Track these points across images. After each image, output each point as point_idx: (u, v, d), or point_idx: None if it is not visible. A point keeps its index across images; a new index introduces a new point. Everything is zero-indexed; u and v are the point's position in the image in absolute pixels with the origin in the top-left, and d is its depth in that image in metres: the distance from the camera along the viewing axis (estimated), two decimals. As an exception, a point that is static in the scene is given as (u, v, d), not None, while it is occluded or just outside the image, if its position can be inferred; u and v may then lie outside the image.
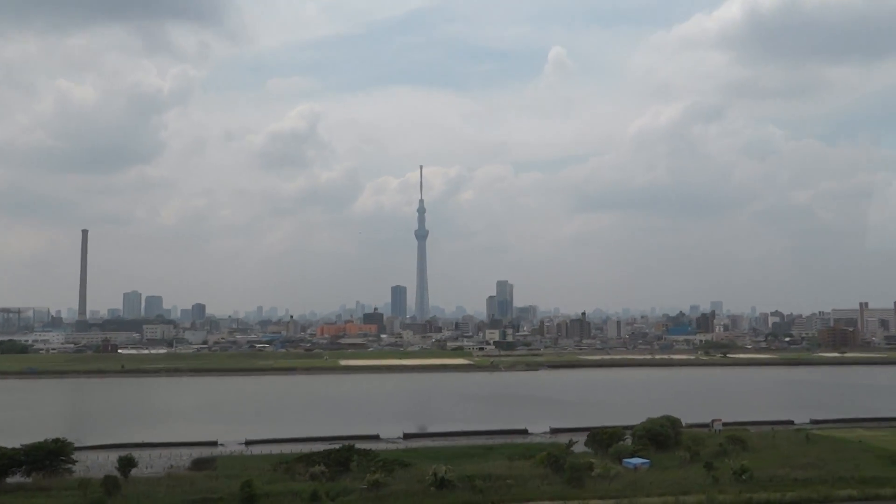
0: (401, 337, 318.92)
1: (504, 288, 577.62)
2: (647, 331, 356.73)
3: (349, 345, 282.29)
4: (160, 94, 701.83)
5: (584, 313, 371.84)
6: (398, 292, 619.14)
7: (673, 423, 73.31)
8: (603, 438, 67.63)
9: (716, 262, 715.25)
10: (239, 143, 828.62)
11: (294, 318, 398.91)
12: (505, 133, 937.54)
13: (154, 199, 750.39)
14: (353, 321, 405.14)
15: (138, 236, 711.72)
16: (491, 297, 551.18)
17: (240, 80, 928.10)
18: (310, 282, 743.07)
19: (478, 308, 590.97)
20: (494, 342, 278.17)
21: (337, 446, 62.74)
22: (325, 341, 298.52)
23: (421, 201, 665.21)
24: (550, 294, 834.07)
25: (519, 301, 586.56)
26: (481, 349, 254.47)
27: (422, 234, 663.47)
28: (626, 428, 74.16)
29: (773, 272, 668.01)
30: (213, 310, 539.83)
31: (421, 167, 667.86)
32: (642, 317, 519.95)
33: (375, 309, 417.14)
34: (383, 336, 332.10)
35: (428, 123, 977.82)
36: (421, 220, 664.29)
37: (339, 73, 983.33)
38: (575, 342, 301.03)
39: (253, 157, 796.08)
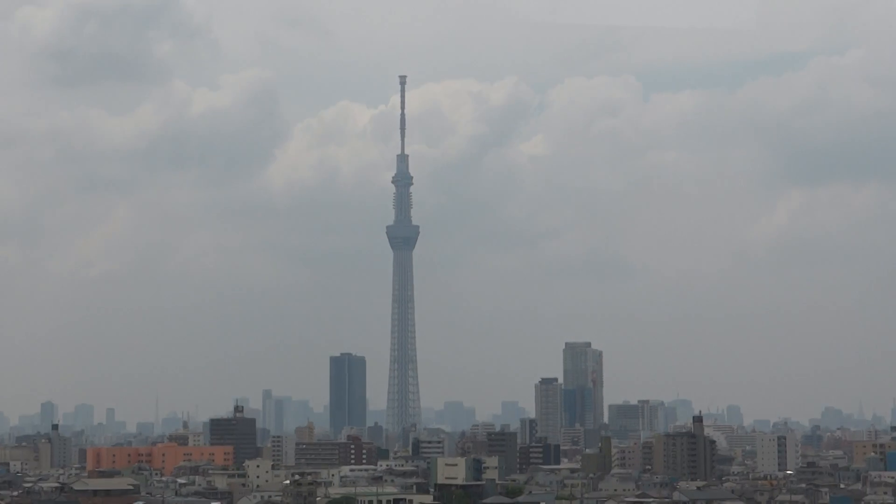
0: (243, 476, 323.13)
1: (579, 359, 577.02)
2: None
3: (101, 492, 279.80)
4: None
5: (697, 418, 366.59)
6: (344, 369, 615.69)
7: None
8: None
9: None
10: (2, 26, 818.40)
11: (133, 427, 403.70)
12: (616, 3, 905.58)
13: None
14: (182, 433, 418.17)
15: None
16: (546, 383, 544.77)
17: None
18: (173, 345, 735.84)
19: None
20: (440, 485, 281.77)
21: None
22: (52, 487, 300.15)
23: (402, 158, 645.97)
24: (721, 375, 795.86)
25: (624, 389, 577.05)
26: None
27: (403, 237, 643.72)
28: None
29: None
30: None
31: (402, 80, 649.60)
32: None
33: (239, 409, 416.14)
34: (229, 470, 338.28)
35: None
36: (401, 200, 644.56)
37: None
38: (652, 480, 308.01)
39: (32, 58, 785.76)
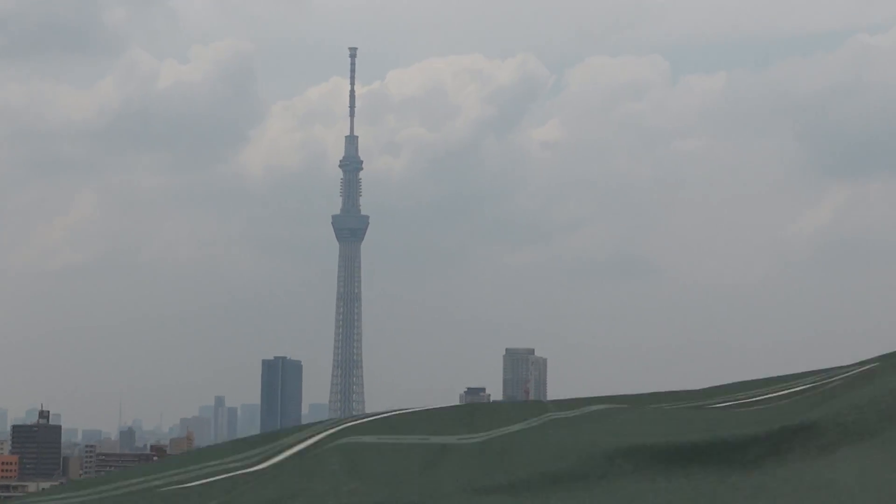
0: None
1: (519, 367, 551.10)
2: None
3: None
4: None
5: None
6: (278, 373, 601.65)
7: None
8: None
9: None
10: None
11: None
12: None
13: None
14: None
15: None
16: (471, 393, 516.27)
17: None
18: (142, 346, 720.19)
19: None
20: None
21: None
22: None
23: (351, 140, 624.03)
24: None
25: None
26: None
27: (350, 228, 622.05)
28: None
29: None
30: None
31: (353, 52, 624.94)
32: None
33: (44, 415, 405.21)
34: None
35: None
36: (349, 187, 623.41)
37: None
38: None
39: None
